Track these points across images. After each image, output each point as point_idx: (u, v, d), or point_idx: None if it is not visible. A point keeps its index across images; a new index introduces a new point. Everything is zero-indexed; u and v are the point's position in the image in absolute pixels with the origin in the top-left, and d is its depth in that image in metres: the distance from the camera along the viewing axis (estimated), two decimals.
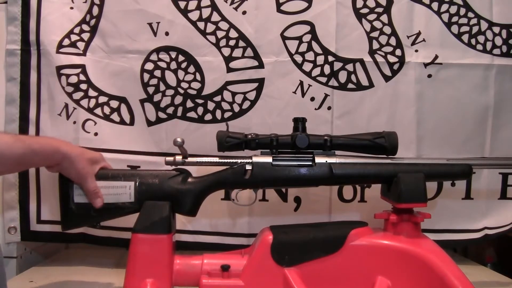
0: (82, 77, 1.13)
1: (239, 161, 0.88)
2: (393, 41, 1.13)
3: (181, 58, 1.13)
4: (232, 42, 1.13)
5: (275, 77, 1.13)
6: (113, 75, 1.14)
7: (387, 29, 1.13)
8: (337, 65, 1.13)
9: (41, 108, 1.13)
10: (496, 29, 1.14)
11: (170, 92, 1.14)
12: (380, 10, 1.13)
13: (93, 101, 1.14)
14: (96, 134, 1.13)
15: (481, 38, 1.14)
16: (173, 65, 1.13)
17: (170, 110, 1.14)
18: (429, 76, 1.13)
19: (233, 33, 1.13)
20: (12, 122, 1.12)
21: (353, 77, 1.13)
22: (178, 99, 1.14)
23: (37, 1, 1.12)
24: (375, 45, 1.13)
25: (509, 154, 1.12)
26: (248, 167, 0.85)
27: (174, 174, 0.89)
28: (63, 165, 0.80)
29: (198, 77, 1.13)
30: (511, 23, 1.14)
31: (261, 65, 1.13)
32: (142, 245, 0.81)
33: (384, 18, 1.13)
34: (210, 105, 1.14)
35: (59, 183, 0.87)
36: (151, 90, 1.13)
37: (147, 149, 1.13)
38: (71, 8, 1.13)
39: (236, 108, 1.14)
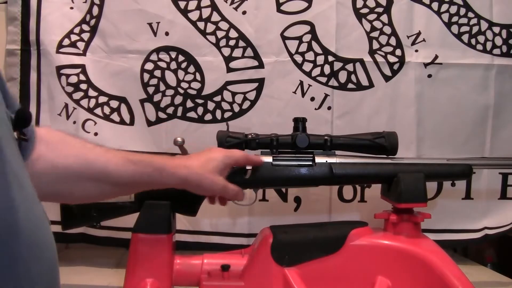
0: (82, 77, 1.13)
1: None
2: (393, 41, 1.13)
3: (181, 58, 1.13)
4: (232, 42, 1.13)
5: (275, 77, 1.13)
6: (113, 75, 1.14)
7: (387, 29, 1.13)
8: (337, 65, 1.13)
9: (41, 108, 1.13)
10: (496, 29, 1.14)
11: (170, 92, 1.14)
12: (380, 10, 1.13)
13: (93, 101, 1.14)
14: (96, 134, 1.13)
15: (481, 38, 1.14)
16: (173, 65, 1.13)
17: (170, 110, 1.14)
18: (429, 76, 1.13)
19: (233, 33, 1.13)
20: None
21: (353, 77, 1.13)
22: (178, 99, 1.14)
23: (37, 1, 1.12)
24: (375, 45, 1.13)
25: (509, 154, 1.12)
26: (248, 167, 0.85)
27: None
28: (190, 188, 0.73)
29: (198, 77, 1.13)
30: (511, 23, 1.14)
31: (261, 65, 1.13)
32: (142, 245, 0.81)
33: (384, 18, 1.13)
34: (210, 105, 1.14)
35: None
36: (151, 90, 1.13)
37: (147, 149, 1.13)
38: (71, 8, 1.14)
39: (236, 108, 1.14)
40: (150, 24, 1.12)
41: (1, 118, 0.38)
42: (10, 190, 0.36)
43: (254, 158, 0.81)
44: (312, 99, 1.13)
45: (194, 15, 1.13)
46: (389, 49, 1.13)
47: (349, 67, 1.13)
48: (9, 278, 0.34)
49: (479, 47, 1.14)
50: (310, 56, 1.13)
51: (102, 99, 1.14)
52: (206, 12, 1.13)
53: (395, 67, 1.13)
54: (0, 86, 0.46)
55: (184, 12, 1.13)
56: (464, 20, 1.14)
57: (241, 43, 1.13)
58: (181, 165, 0.72)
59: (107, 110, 1.14)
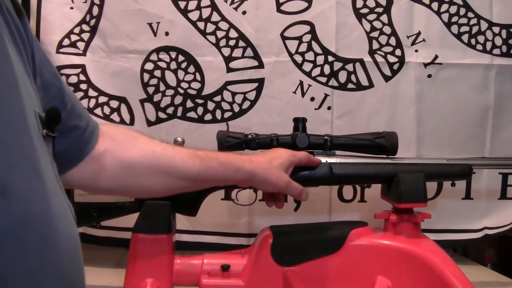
0: (82, 77, 1.13)
1: None
2: (393, 41, 1.13)
3: (181, 58, 1.13)
4: (232, 42, 1.13)
5: (275, 77, 1.13)
6: (113, 75, 1.14)
7: (387, 29, 1.13)
8: (337, 65, 1.13)
9: None
10: (496, 29, 1.14)
11: (170, 92, 1.14)
12: (380, 10, 1.13)
13: (93, 101, 1.14)
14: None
15: (481, 38, 1.14)
16: (173, 65, 1.13)
17: (170, 110, 1.14)
18: (429, 76, 1.14)
19: (233, 33, 1.13)
20: None
21: (353, 77, 1.13)
22: (178, 99, 1.14)
23: (37, 1, 1.12)
24: (375, 45, 1.13)
25: (509, 154, 1.12)
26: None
27: None
28: (254, 183, 0.73)
29: (198, 77, 1.13)
30: (511, 23, 1.14)
31: (261, 65, 1.13)
32: (142, 245, 0.81)
33: (384, 18, 1.13)
34: (210, 105, 1.14)
35: None
36: (151, 90, 1.13)
37: None
38: (71, 8, 1.13)
39: (236, 108, 1.14)
40: (150, 24, 1.12)
41: (25, 117, 0.39)
42: (26, 182, 0.37)
43: (314, 158, 0.82)
44: (312, 99, 1.13)
45: (194, 15, 1.13)
46: (389, 49, 1.13)
47: (349, 67, 1.13)
48: (17, 266, 0.35)
49: (479, 47, 1.14)
50: (310, 56, 1.13)
51: (102, 99, 1.14)
52: (206, 12, 1.13)
53: (395, 67, 1.13)
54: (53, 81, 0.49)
55: (184, 12, 1.13)
56: (464, 20, 1.14)
57: (241, 43, 1.13)
58: (247, 160, 0.72)
59: (107, 110, 1.14)
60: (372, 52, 1.13)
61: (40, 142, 0.41)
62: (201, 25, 1.13)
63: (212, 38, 1.13)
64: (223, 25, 1.13)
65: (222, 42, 1.13)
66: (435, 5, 1.14)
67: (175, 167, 0.67)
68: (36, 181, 0.39)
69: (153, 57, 1.13)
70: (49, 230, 0.39)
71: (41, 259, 0.38)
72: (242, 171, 0.71)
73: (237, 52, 1.13)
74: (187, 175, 0.68)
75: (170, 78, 1.13)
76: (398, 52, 1.14)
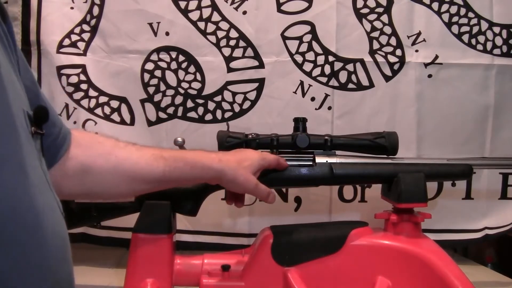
0: (82, 77, 1.13)
1: None
2: (393, 41, 1.13)
3: (181, 58, 1.13)
4: (232, 42, 1.13)
5: (276, 77, 1.13)
6: (113, 75, 1.14)
7: (388, 29, 1.13)
8: (338, 65, 1.13)
9: None
10: (496, 29, 1.14)
11: (170, 92, 1.14)
12: (380, 10, 1.13)
13: (93, 101, 1.14)
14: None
15: (481, 38, 1.14)
16: (174, 65, 1.13)
17: (170, 110, 1.14)
18: (430, 76, 1.14)
19: (233, 33, 1.13)
20: None
21: (353, 77, 1.13)
22: (179, 99, 1.14)
23: (37, 1, 1.12)
24: (376, 45, 1.13)
25: (509, 154, 1.12)
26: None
27: None
28: (222, 182, 0.73)
29: (198, 77, 1.13)
30: (511, 23, 1.14)
31: (261, 65, 1.13)
32: (142, 245, 0.81)
33: (385, 18, 1.13)
34: (211, 105, 1.14)
35: None
36: (151, 90, 1.13)
37: None
38: (71, 8, 1.14)
39: (237, 108, 1.14)
40: (150, 24, 1.13)
41: (12, 115, 0.40)
42: (12, 178, 0.38)
43: (283, 162, 0.82)
44: (313, 99, 1.13)
45: (194, 15, 1.13)
46: (390, 49, 1.13)
47: (350, 67, 1.13)
48: (2, 260, 0.36)
49: (479, 47, 1.14)
50: (310, 56, 1.13)
51: (103, 99, 1.14)
52: (206, 12, 1.13)
53: (396, 67, 1.14)
54: (30, 86, 0.49)
55: (185, 12, 1.13)
56: (464, 20, 1.14)
57: (242, 43, 1.13)
58: (216, 159, 0.72)
59: (107, 110, 1.14)
60: (372, 52, 1.13)
61: (28, 139, 0.42)
62: (201, 25, 1.13)
63: (212, 38, 1.13)
64: (224, 25, 1.13)
65: (223, 42, 1.13)
66: (435, 5, 1.14)
67: (139, 170, 0.67)
68: (21, 178, 0.39)
69: (154, 57, 1.13)
70: (34, 226, 0.40)
71: (27, 255, 0.38)
72: (210, 171, 0.71)
73: (238, 52, 1.13)
74: (151, 177, 0.68)
75: (171, 78, 1.13)
76: (398, 52, 1.14)
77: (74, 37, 1.13)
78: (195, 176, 0.72)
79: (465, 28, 1.14)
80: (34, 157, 0.43)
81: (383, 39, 1.13)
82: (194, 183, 0.77)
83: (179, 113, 1.14)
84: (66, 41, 1.13)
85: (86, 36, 1.13)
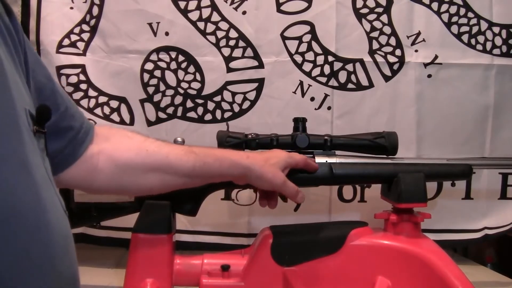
0: (82, 77, 1.13)
1: None
2: (393, 41, 1.13)
3: (181, 58, 1.13)
4: (232, 42, 1.13)
5: (275, 77, 1.13)
6: (113, 75, 1.14)
7: (387, 29, 1.13)
8: (337, 65, 1.13)
9: None
10: (496, 29, 1.14)
11: (170, 92, 1.14)
12: (380, 10, 1.13)
13: (93, 101, 1.14)
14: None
15: (481, 38, 1.14)
16: (173, 65, 1.13)
17: (170, 110, 1.14)
18: (429, 76, 1.14)
19: (233, 33, 1.13)
20: None
21: (353, 77, 1.13)
22: (178, 99, 1.14)
23: (37, 1, 1.12)
24: (375, 45, 1.13)
25: (509, 154, 1.12)
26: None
27: None
28: (250, 179, 0.73)
29: (198, 77, 1.13)
30: (511, 23, 1.14)
31: (261, 65, 1.13)
32: (142, 245, 0.81)
33: (384, 18, 1.13)
34: (210, 105, 1.14)
35: None
36: (151, 90, 1.13)
37: None
38: (71, 8, 1.13)
39: (236, 108, 1.14)
40: (150, 24, 1.12)
41: (16, 115, 0.41)
42: (14, 176, 0.38)
43: (312, 163, 0.82)
44: (312, 99, 1.13)
45: (194, 15, 1.13)
46: (389, 49, 1.13)
47: (349, 67, 1.13)
48: (4, 256, 0.36)
49: (479, 47, 1.14)
50: (310, 56, 1.13)
51: (102, 99, 1.14)
52: (206, 12, 1.13)
53: (395, 67, 1.14)
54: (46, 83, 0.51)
55: (184, 12, 1.13)
56: (464, 20, 1.14)
57: (241, 43, 1.13)
58: (243, 156, 0.73)
59: (107, 110, 1.14)
60: (372, 52, 1.13)
61: (30, 138, 0.43)
62: (201, 25, 1.13)
63: (212, 38, 1.13)
64: (223, 25, 1.13)
65: (222, 42, 1.13)
66: (435, 5, 1.14)
67: (170, 164, 0.67)
68: (24, 175, 0.40)
69: (153, 57, 1.13)
70: (37, 223, 0.40)
71: (30, 252, 0.39)
72: (238, 166, 0.72)
73: (237, 52, 1.13)
74: (182, 171, 0.68)
75: (170, 78, 1.13)
76: (398, 52, 1.14)
77: (74, 37, 1.13)
78: (223, 172, 0.72)
79: (464, 28, 1.14)
80: (37, 156, 0.43)
81: (383, 39, 1.13)
82: (222, 180, 0.76)
83: (179, 113, 1.14)
84: (66, 41, 1.13)
85: (85, 36, 1.13)
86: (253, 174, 0.72)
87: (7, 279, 0.37)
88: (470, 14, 1.14)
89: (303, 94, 1.13)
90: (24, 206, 0.39)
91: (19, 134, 0.40)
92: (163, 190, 0.73)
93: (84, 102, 1.13)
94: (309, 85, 1.13)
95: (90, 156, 0.63)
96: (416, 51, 1.14)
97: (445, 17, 1.14)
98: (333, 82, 1.13)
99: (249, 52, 1.13)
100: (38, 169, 0.43)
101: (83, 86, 1.13)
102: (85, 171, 0.63)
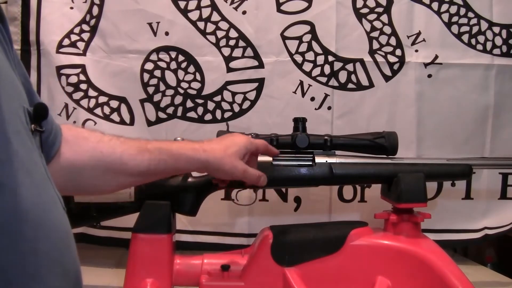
0: (82, 77, 1.13)
1: None
2: (393, 41, 1.13)
3: (181, 58, 1.13)
4: (232, 42, 1.13)
5: (275, 77, 1.13)
6: (113, 75, 1.13)
7: (387, 29, 1.13)
8: (337, 65, 1.13)
9: None
10: (496, 29, 1.14)
11: (170, 92, 1.14)
12: (380, 10, 1.13)
13: (93, 101, 1.14)
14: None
15: (481, 38, 1.14)
16: (173, 65, 1.13)
17: (170, 110, 1.14)
18: (429, 76, 1.13)
19: (233, 33, 1.13)
20: None
21: (353, 77, 1.13)
22: (178, 99, 1.14)
23: (37, 1, 1.12)
24: (375, 45, 1.13)
25: (509, 154, 1.12)
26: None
27: None
28: (209, 171, 0.73)
29: (198, 77, 1.13)
30: (511, 23, 1.14)
31: (261, 65, 1.13)
32: (142, 245, 0.81)
33: (384, 18, 1.13)
34: (210, 105, 1.14)
35: None
36: (151, 90, 1.13)
37: None
38: (71, 8, 1.13)
39: (236, 108, 1.14)
40: (150, 24, 1.12)
41: (13, 113, 0.41)
42: (16, 177, 0.39)
43: (272, 148, 0.82)
44: (312, 99, 1.13)
45: (194, 15, 1.12)
46: (389, 49, 1.13)
47: (349, 67, 1.13)
48: (14, 255, 0.38)
49: (479, 47, 1.14)
50: (310, 56, 1.13)
51: (102, 99, 1.14)
52: (206, 12, 1.13)
53: (395, 67, 1.13)
54: (24, 83, 0.50)
55: (184, 12, 1.12)
56: (464, 20, 1.14)
57: (241, 43, 1.13)
58: (200, 149, 0.72)
59: (107, 110, 1.14)
60: (372, 52, 1.13)
61: (29, 137, 0.43)
62: (201, 25, 1.13)
63: (212, 38, 1.13)
64: (223, 25, 1.13)
65: (222, 42, 1.13)
66: (435, 5, 1.14)
67: (123, 165, 0.67)
68: (25, 175, 0.40)
69: (153, 57, 1.13)
70: (40, 221, 0.41)
71: (37, 250, 0.40)
72: (195, 162, 0.71)
73: (237, 52, 1.13)
74: (136, 171, 0.68)
75: (170, 78, 1.13)
76: (398, 52, 1.14)
77: (74, 37, 1.13)
78: (180, 168, 0.72)
79: (465, 28, 1.14)
80: (36, 155, 0.44)
81: (383, 39, 1.13)
82: (181, 173, 0.77)
83: (179, 113, 1.14)
84: (66, 41, 1.13)
85: (85, 36, 1.13)
86: (211, 167, 0.72)
87: (19, 277, 0.38)
88: (470, 14, 1.14)
89: (303, 94, 1.13)
90: (27, 206, 0.39)
91: (18, 133, 0.41)
92: (117, 189, 0.74)
93: (84, 102, 1.13)
94: (309, 85, 1.13)
95: (55, 160, 0.63)
96: (416, 51, 1.14)
97: (445, 17, 1.14)
98: (333, 82, 1.13)
99: (249, 52, 1.13)
100: (37, 168, 0.43)
101: (83, 86, 1.13)
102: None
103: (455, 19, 1.14)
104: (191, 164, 0.71)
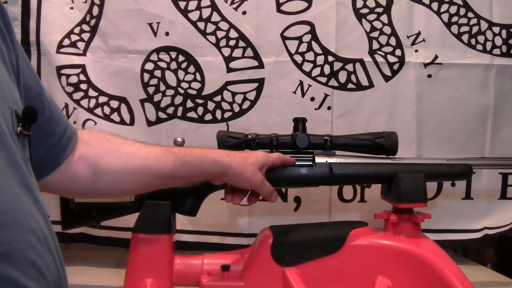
0: (82, 77, 1.13)
1: None
2: (393, 41, 1.13)
3: (181, 58, 1.13)
4: (232, 42, 1.13)
5: (275, 77, 1.13)
6: (113, 75, 1.14)
7: (387, 29, 1.13)
8: (337, 65, 1.13)
9: None
10: (496, 29, 1.14)
11: (170, 92, 1.14)
12: (380, 10, 1.13)
13: (93, 101, 1.14)
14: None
15: (481, 38, 1.14)
16: (173, 65, 1.13)
17: (170, 110, 1.14)
18: (429, 76, 1.14)
19: (233, 33, 1.13)
20: None
21: (353, 77, 1.13)
22: (178, 99, 1.14)
23: (37, 1, 1.12)
24: (375, 45, 1.13)
25: (509, 154, 1.12)
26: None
27: None
28: (229, 177, 0.74)
29: (198, 77, 1.13)
30: (511, 23, 1.14)
31: (261, 65, 1.13)
32: (142, 245, 0.81)
33: (384, 18, 1.13)
34: (210, 105, 1.14)
35: None
36: (151, 90, 1.13)
37: None
38: (71, 8, 1.14)
39: (236, 108, 1.14)
40: (150, 24, 1.13)
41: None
42: None
43: (288, 158, 0.83)
44: (312, 99, 1.14)
45: (194, 15, 1.13)
46: (389, 49, 1.13)
47: (349, 67, 1.13)
48: None
49: (479, 47, 1.14)
50: (310, 56, 1.13)
51: (102, 99, 1.14)
52: (206, 12, 1.13)
53: (395, 67, 1.14)
54: (33, 85, 0.51)
55: (184, 12, 1.13)
56: (464, 20, 1.14)
57: (241, 43, 1.13)
58: (223, 154, 0.73)
59: (107, 110, 1.14)
60: (372, 52, 1.13)
61: (12, 138, 0.43)
62: (201, 25, 1.13)
63: (212, 38, 1.13)
64: (223, 25, 1.13)
65: (222, 42, 1.13)
66: (435, 5, 1.14)
67: (149, 166, 0.67)
68: (2, 177, 0.40)
69: (153, 57, 1.13)
70: (14, 223, 0.40)
71: (9, 251, 0.39)
72: (218, 164, 0.72)
73: (237, 52, 1.13)
74: (162, 172, 0.68)
75: (170, 78, 1.13)
76: (398, 52, 1.14)
77: (74, 37, 1.13)
78: (204, 170, 0.72)
79: (464, 28, 1.14)
80: (17, 157, 0.43)
81: (383, 39, 1.13)
82: (202, 178, 0.77)
83: (179, 113, 1.14)
84: (66, 41, 1.13)
85: (86, 36, 1.13)
86: (233, 172, 0.73)
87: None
88: (470, 14, 1.14)
89: (303, 94, 1.13)
90: (3, 206, 0.39)
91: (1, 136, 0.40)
92: (143, 191, 0.74)
93: (84, 102, 1.13)
94: (309, 85, 1.13)
95: (71, 162, 0.63)
96: (416, 51, 1.14)
97: (445, 17, 1.14)
98: (333, 82, 1.13)
99: (249, 52, 1.13)
100: (15, 170, 0.43)
101: (83, 86, 1.13)
102: (66, 177, 0.63)
103: (455, 19, 1.14)
104: (214, 166, 0.72)
